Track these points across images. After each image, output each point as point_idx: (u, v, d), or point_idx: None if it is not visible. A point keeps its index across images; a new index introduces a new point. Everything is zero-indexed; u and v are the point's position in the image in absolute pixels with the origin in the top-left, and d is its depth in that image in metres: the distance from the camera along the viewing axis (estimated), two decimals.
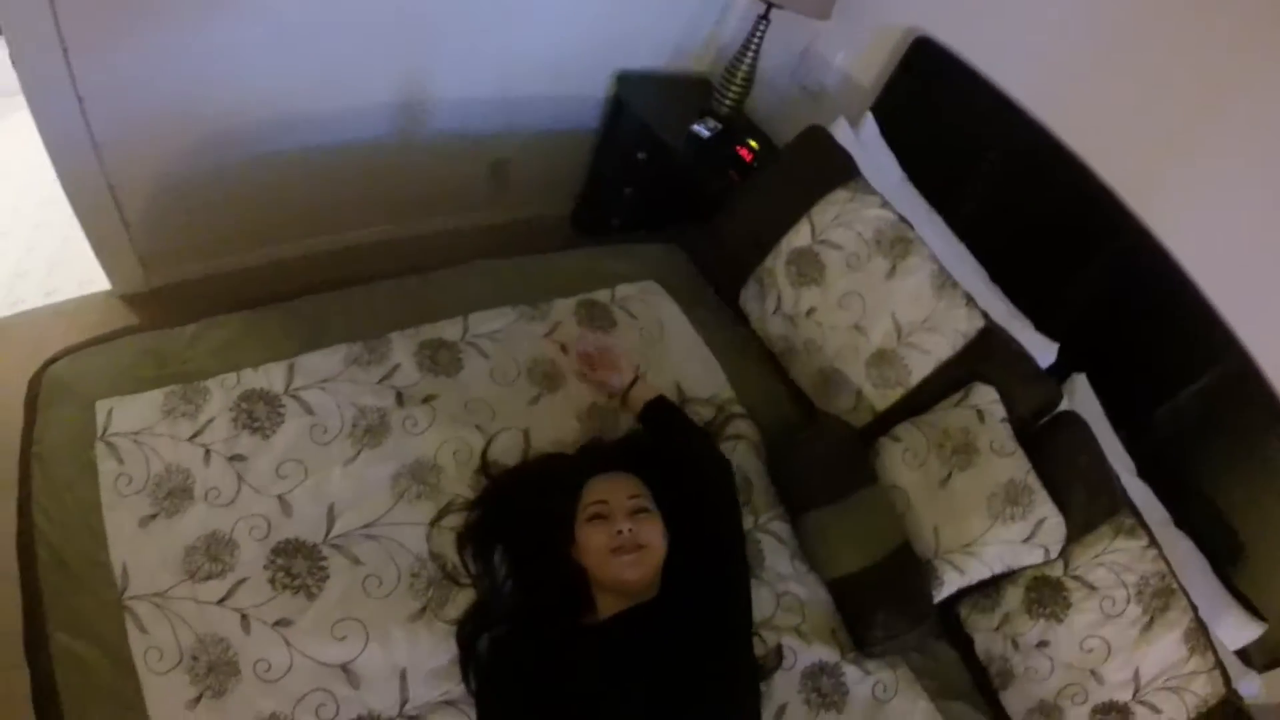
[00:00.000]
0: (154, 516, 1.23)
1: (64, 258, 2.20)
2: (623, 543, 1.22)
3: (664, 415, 1.54)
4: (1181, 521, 1.63)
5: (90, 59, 1.67)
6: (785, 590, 1.47)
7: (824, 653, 1.41)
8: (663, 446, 1.49)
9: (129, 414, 1.33)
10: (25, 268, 2.19)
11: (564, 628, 1.24)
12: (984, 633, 1.55)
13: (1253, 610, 1.57)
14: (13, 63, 1.62)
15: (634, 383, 1.58)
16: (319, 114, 2.11)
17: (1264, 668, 1.56)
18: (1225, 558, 1.60)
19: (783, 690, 1.35)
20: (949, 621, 1.59)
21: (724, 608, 1.27)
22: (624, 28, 2.44)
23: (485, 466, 1.43)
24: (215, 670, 1.12)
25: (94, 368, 1.38)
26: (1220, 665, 1.37)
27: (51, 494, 1.23)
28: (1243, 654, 1.56)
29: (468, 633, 1.24)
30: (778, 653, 1.36)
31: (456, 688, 1.22)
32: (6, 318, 2.05)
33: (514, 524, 1.34)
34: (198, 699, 1.10)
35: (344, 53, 2.02)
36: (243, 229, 2.24)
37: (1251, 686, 1.50)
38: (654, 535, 1.25)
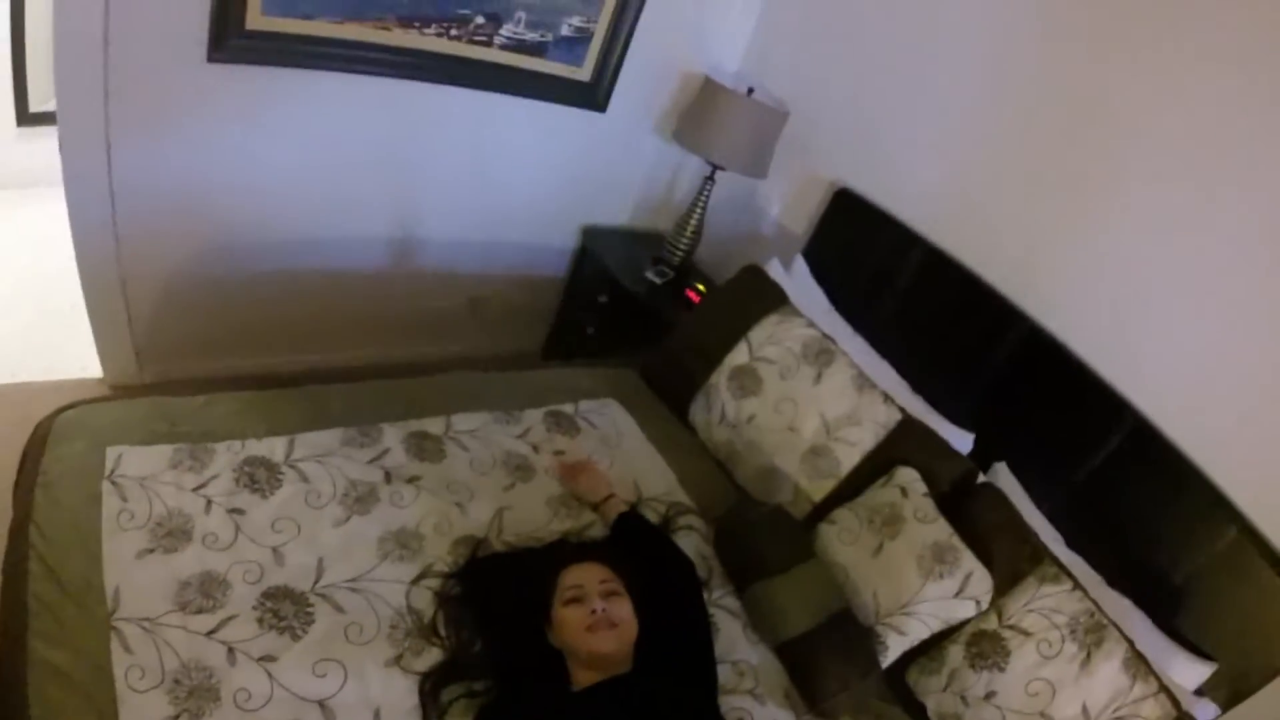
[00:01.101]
0: (151, 551, 1.31)
1: (61, 341, 2.31)
2: (597, 620, 1.32)
3: (634, 524, 1.69)
4: (1115, 582, 1.72)
5: (129, 155, 1.89)
6: (739, 658, 1.56)
7: (778, 713, 1.48)
8: (633, 548, 1.61)
9: (137, 461, 1.43)
10: (25, 342, 2.31)
11: (546, 695, 1.32)
12: (934, 695, 1.63)
13: (1200, 654, 1.63)
14: (60, 146, 1.81)
15: (609, 498, 1.75)
16: (322, 238, 2.35)
17: (1227, 704, 1.61)
18: (1164, 608, 1.68)
19: None
20: (901, 690, 1.68)
21: (695, 679, 1.37)
22: (590, 184, 2.81)
23: (475, 550, 1.55)
24: (196, 695, 1.16)
25: (106, 419, 1.49)
26: (1166, 689, 1.44)
27: (52, 518, 1.30)
28: (1201, 693, 1.60)
29: (430, 686, 1.30)
30: None
31: None
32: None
33: (494, 607, 1.44)
34: (175, 718, 1.13)
35: (349, 187, 2.31)
36: (236, 336, 2.39)
37: (1208, 711, 1.56)
38: (626, 613, 1.36)
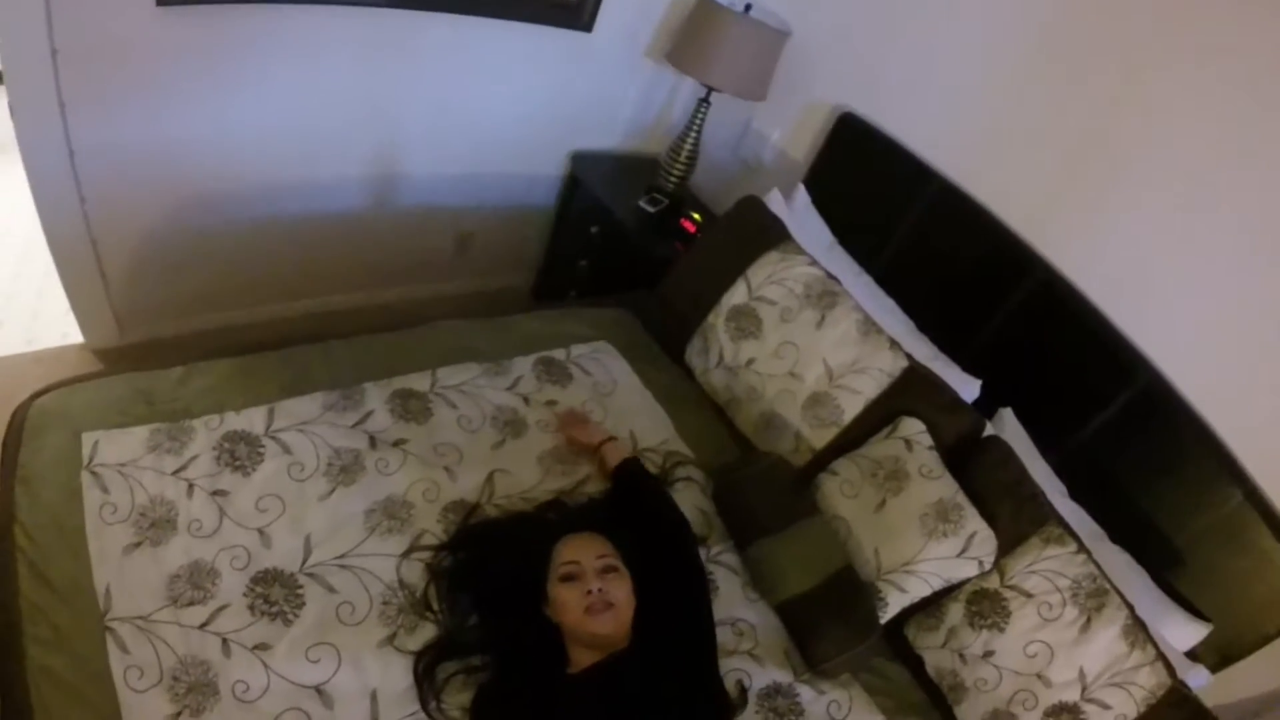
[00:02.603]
0: (138, 545, 1.29)
1: (41, 308, 2.25)
2: (594, 602, 1.30)
3: (632, 476, 1.65)
4: (1116, 537, 1.72)
5: (85, 117, 1.78)
6: (738, 617, 1.57)
7: (778, 674, 1.50)
8: (629, 503, 1.60)
9: (115, 447, 1.40)
10: (2, 316, 2.24)
11: (544, 678, 1.31)
12: (932, 650, 1.64)
13: (1196, 613, 1.65)
14: (10, 113, 1.71)
15: (605, 442, 1.72)
16: (298, 183, 2.25)
17: (1215, 667, 1.62)
18: (1163, 566, 1.68)
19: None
20: (898, 644, 1.68)
21: (694, 653, 1.36)
22: (577, 110, 2.67)
23: (467, 518, 1.53)
24: (195, 690, 1.17)
25: (81, 402, 1.45)
26: (1163, 657, 1.45)
27: (35, 516, 1.28)
28: (1193, 656, 1.63)
29: (425, 664, 1.30)
30: (742, 694, 1.43)
31: None
32: None
33: (490, 581, 1.42)
34: (176, 716, 1.14)
35: (322, 128, 2.19)
36: (217, 290, 2.32)
37: (1199, 678, 1.57)
38: (623, 592, 1.34)
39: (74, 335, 2.19)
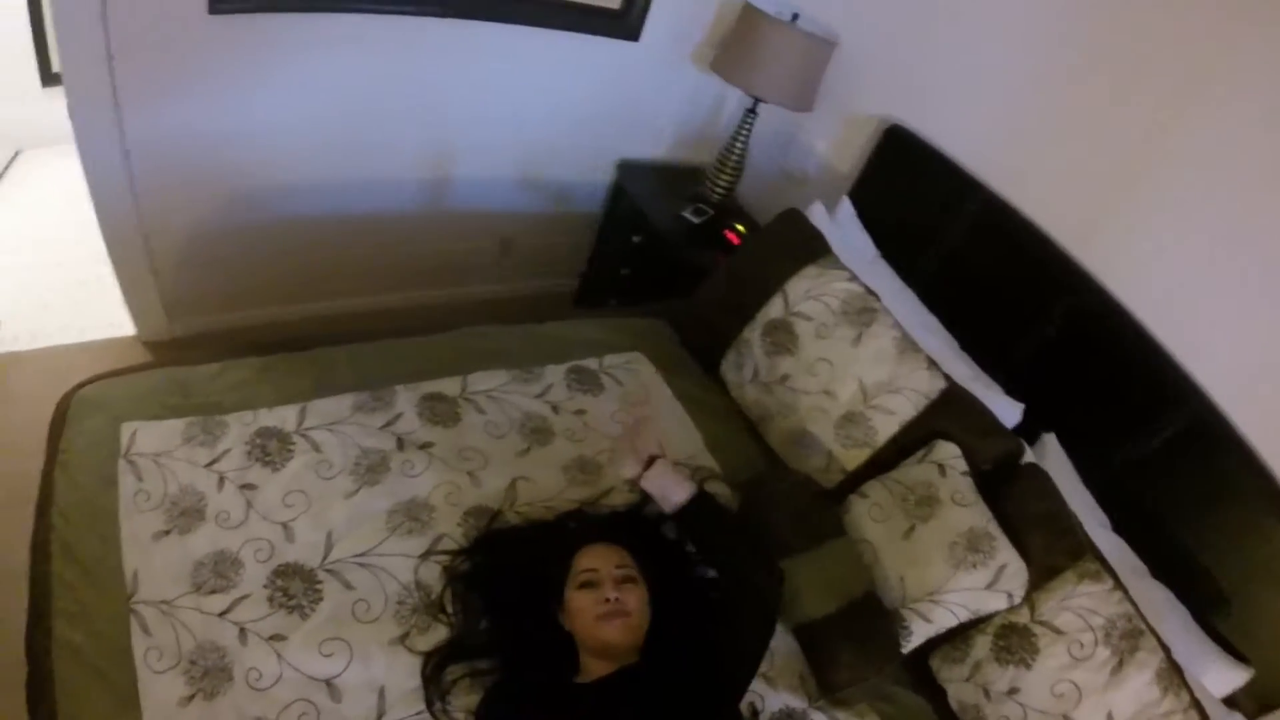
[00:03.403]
0: (167, 532, 1.34)
1: (87, 298, 2.35)
2: (609, 609, 1.29)
3: (701, 523, 1.49)
4: (1158, 572, 1.66)
5: (140, 115, 1.86)
6: None
7: (791, 699, 1.47)
8: (701, 549, 1.48)
9: (151, 437, 1.45)
10: (49, 302, 2.34)
11: (554, 685, 1.31)
12: (956, 683, 1.58)
13: (1238, 656, 1.57)
14: (69, 113, 1.80)
15: (659, 460, 1.54)
16: (344, 183, 2.31)
17: (1254, 714, 1.55)
18: (1206, 605, 1.61)
19: None
20: (921, 674, 1.63)
21: (706, 673, 1.31)
22: (624, 118, 2.68)
23: (489, 525, 1.53)
24: (210, 674, 1.20)
25: (122, 393, 1.51)
26: (1197, 704, 1.38)
27: (72, 499, 1.34)
28: (1231, 702, 1.55)
29: (433, 665, 1.31)
30: (754, 716, 1.41)
31: None
32: (31, 350, 2.19)
33: (507, 586, 1.42)
34: (190, 698, 1.17)
35: (369, 130, 2.25)
36: (265, 285, 2.40)
37: None
38: (638, 603, 1.33)
39: (124, 326, 2.28)
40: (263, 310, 2.44)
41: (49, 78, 2.87)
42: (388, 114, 2.23)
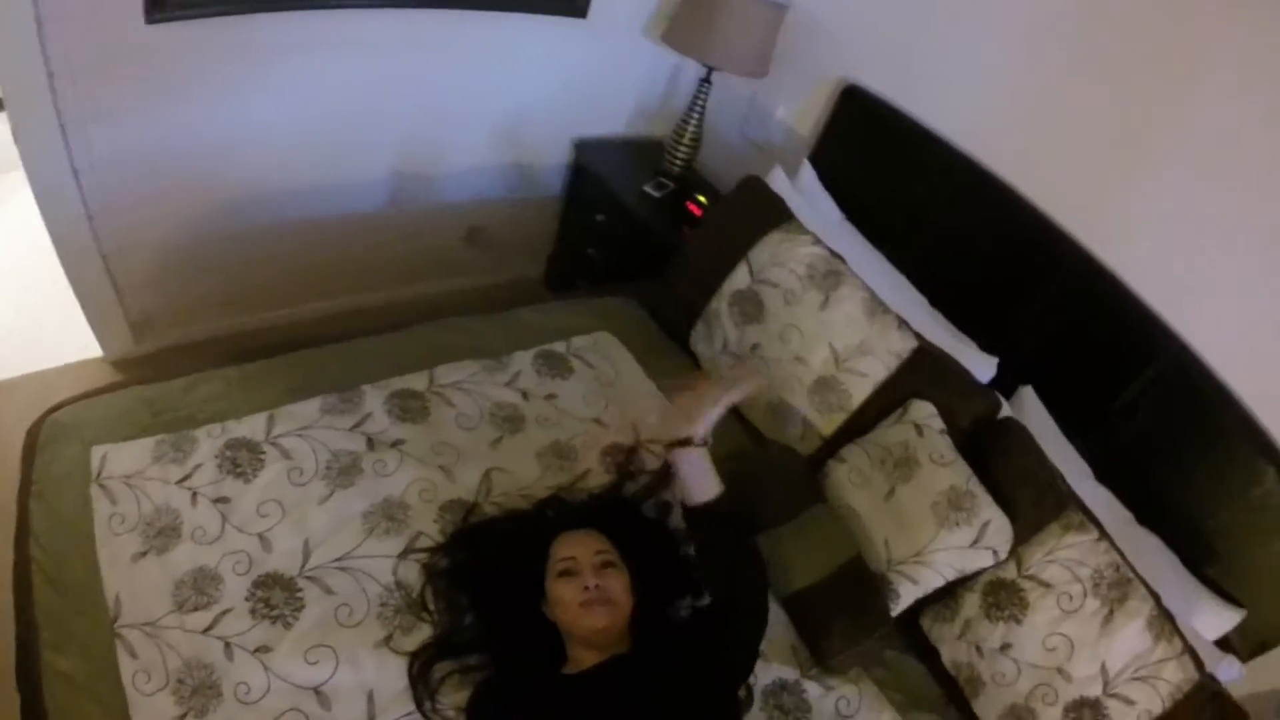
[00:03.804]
0: (145, 553, 1.34)
1: (55, 322, 2.31)
2: (590, 597, 1.29)
3: (718, 524, 1.42)
4: (1145, 519, 1.66)
5: (86, 133, 1.83)
6: None
7: (784, 671, 1.48)
8: (700, 549, 1.44)
9: (122, 459, 1.45)
10: (15, 327, 2.32)
11: (542, 677, 1.32)
12: (948, 642, 1.58)
13: (1229, 598, 1.58)
14: (13, 136, 1.77)
15: (698, 447, 1.41)
16: (304, 187, 2.29)
17: (1249, 655, 1.56)
18: (1194, 550, 1.61)
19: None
20: (914, 635, 1.64)
21: (700, 660, 1.31)
22: (579, 97, 2.65)
23: (465, 518, 1.53)
24: (199, 692, 1.22)
25: (91, 416, 1.51)
26: (1190, 650, 1.37)
27: (48, 528, 1.34)
28: (1225, 644, 1.56)
29: (420, 664, 1.32)
30: (747, 691, 1.40)
31: None
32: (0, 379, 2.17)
33: (487, 580, 1.42)
34: (181, 717, 1.19)
35: (323, 131, 2.21)
36: (231, 295, 2.38)
37: (1231, 670, 1.50)
38: (621, 588, 1.32)
39: (91, 348, 2.27)
40: (231, 320, 2.43)
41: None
42: (340, 114, 2.20)
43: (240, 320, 2.45)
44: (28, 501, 1.38)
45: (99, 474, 1.43)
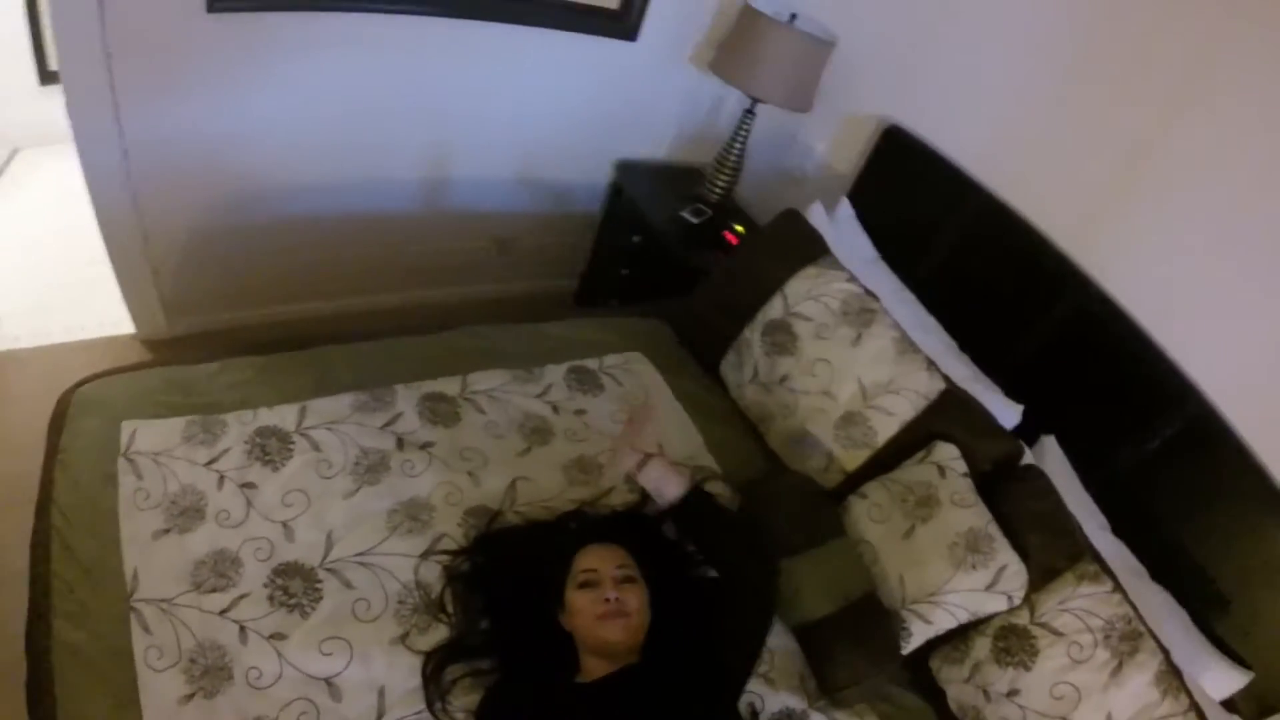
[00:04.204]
0: (167, 531, 1.34)
1: (86, 297, 2.34)
2: (609, 609, 1.30)
3: (703, 518, 1.52)
4: (1158, 575, 1.66)
5: (138, 114, 1.86)
6: None
7: (791, 699, 1.47)
8: (696, 541, 1.50)
9: (151, 435, 1.45)
10: (47, 301, 2.34)
11: (555, 685, 1.31)
12: (955, 684, 1.58)
13: (1238, 659, 1.57)
14: (67, 111, 1.80)
15: (655, 457, 1.55)
16: (343, 183, 2.31)
17: (1253, 718, 1.55)
18: (1206, 608, 1.61)
19: None
20: (921, 675, 1.63)
21: (706, 672, 1.32)
22: (622, 119, 2.68)
23: (489, 525, 1.53)
24: (210, 673, 1.20)
25: (121, 392, 1.51)
26: (1196, 708, 1.37)
27: (71, 498, 1.34)
28: (1230, 705, 1.55)
29: (434, 664, 1.31)
30: (753, 717, 1.41)
31: None
32: (30, 348, 2.18)
33: (507, 586, 1.42)
34: (190, 697, 1.17)
35: (369, 130, 2.25)
36: (263, 285, 2.40)
37: None
38: (638, 603, 1.33)
39: (123, 325, 2.28)
40: (262, 310, 2.44)
41: (46, 76, 2.87)
42: (387, 114, 2.23)
43: (271, 310, 2.47)
44: (53, 470, 1.38)
45: (127, 448, 1.42)
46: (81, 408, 1.46)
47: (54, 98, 2.81)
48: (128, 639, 1.20)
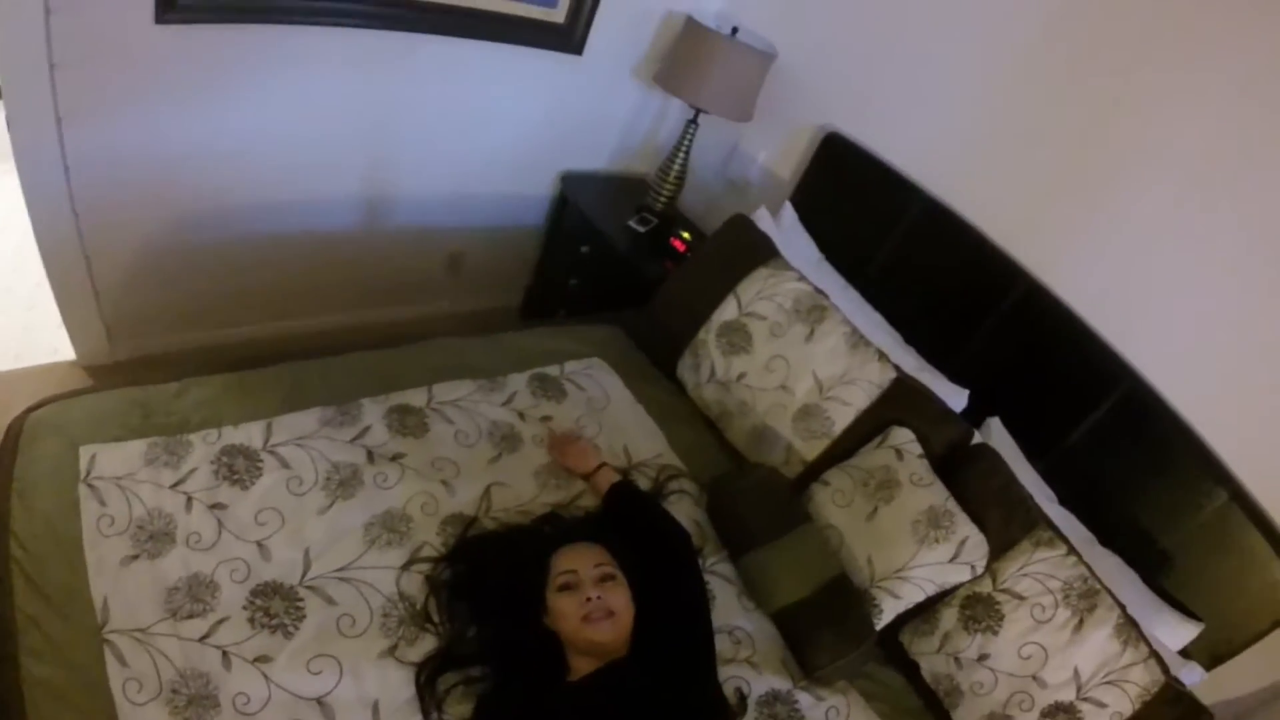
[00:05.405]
0: (136, 557, 1.29)
1: (31, 322, 2.24)
2: (592, 609, 1.31)
3: (627, 496, 1.67)
4: (1106, 541, 1.75)
5: (82, 131, 1.79)
6: (735, 626, 1.59)
7: (776, 681, 1.51)
8: (626, 521, 1.60)
9: (112, 460, 1.39)
10: None
11: (544, 686, 1.32)
12: (927, 656, 1.66)
13: (1188, 613, 1.66)
14: (7, 124, 1.72)
15: (599, 469, 1.73)
16: (291, 201, 2.26)
17: (1208, 665, 1.64)
18: (1153, 568, 1.71)
19: None
20: (894, 650, 1.70)
21: (693, 661, 1.37)
22: (567, 131, 2.70)
23: (465, 531, 1.53)
24: (195, 703, 1.16)
25: (78, 416, 1.45)
26: (1155, 654, 1.47)
27: (30, 527, 1.27)
28: (1185, 655, 1.64)
29: (427, 675, 1.30)
30: (741, 701, 1.44)
31: None
32: None
33: (489, 592, 1.43)
34: None
35: (316, 147, 2.20)
36: (208, 307, 2.32)
37: (1193, 674, 1.58)
38: (621, 600, 1.35)
39: (64, 350, 2.17)
40: (208, 332, 2.36)
41: None
42: (331, 129, 2.19)
43: (216, 333, 2.39)
44: (8, 499, 1.30)
45: (87, 474, 1.36)
46: (35, 433, 1.39)
47: None
48: (103, 672, 1.15)
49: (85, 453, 1.39)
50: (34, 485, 1.33)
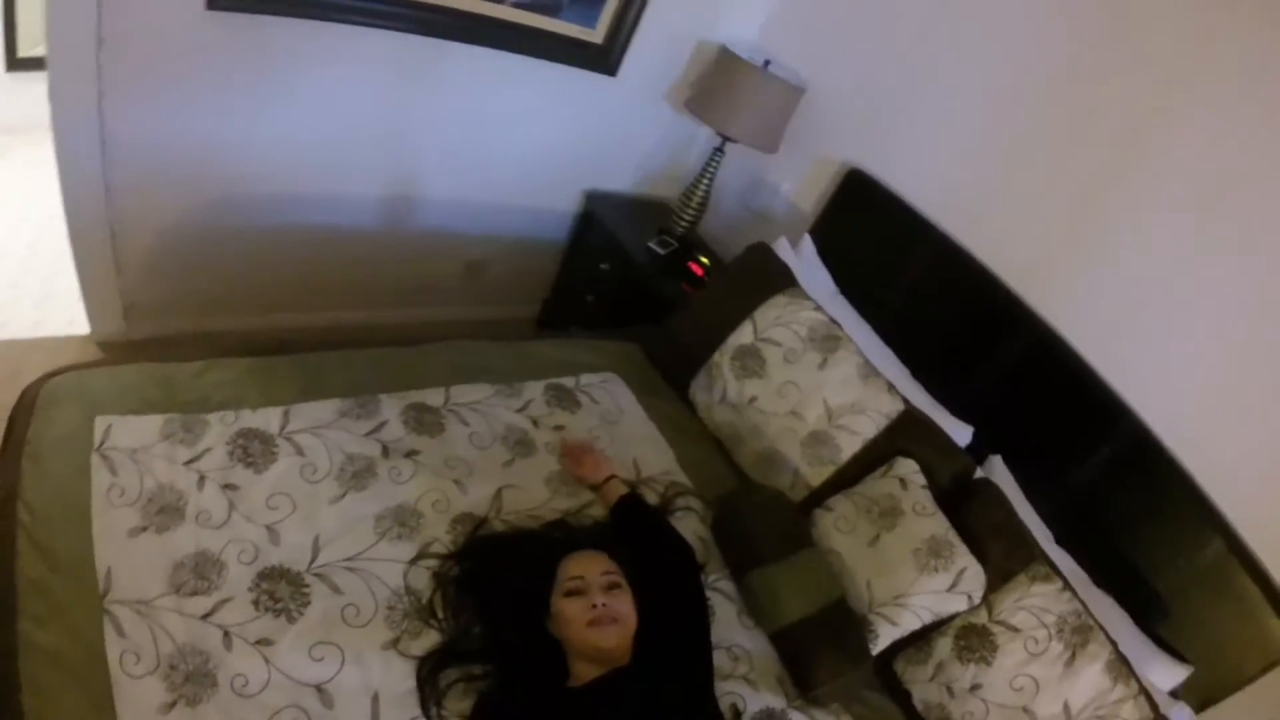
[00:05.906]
0: (144, 529, 1.27)
1: (50, 294, 2.24)
2: (598, 615, 1.31)
3: (634, 508, 1.68)
4: (1101, 582, 1.75)
5: (123, 105, 1.81)
6: (734, 642, 1.57)
7: (771, 699, 1.49)
8: (632, 533, 1.60)
9: (127, 432, 1.39)
10: (9, 296, 2.23)
11: (545, 690, 1.31)
12: (920, 684, 1.66)
13: (1179, 657, 1.67)
14: (49, 94, 1.73)
15: (609, 480, 1.72)
16: (317, 196, 2.28)
17: (1196, 708, 1.65)
18: (1146, 610, 1.72)
19: None
20: (887, 678, 1.70)
21: (692, 672, 1.37)
22: (596, 149, 2.74)
23: (475, 530, 1.53)
24: (192, 680, 1.14)
25: (97, 386, 1.44)
26: (1145, 692, 1.49)
27: (40, 491, 1.26)
28: (1174, 697, 1.64)
29: (429, 669, 1.29)
30: (736, 717, 1.44)
31: None
32: None
33: (493, 592, 1.42)
34: (171, 705, 1.10)
35: (347, 144, 2.23)
36: (226, 294, 2.33)
37: (1182, 715, 1.58)
38: (627, 607, 1.35)
39: (79, 324, 2.17)
40: (224, 319, 2.35)
41: (15, 63, 2.76)
42: (363, 128, 2.22)
43: (232, 320, 2.38)
44: (19, 461, 1.29)
45: (101, 444, 1.35)
46: (53, 399, 1.38)
47: (22, 86, 2.70)
48: (101, 642, 1.13)
49: (101, 423, 1.38)
50: (47, 450, 1.32)
